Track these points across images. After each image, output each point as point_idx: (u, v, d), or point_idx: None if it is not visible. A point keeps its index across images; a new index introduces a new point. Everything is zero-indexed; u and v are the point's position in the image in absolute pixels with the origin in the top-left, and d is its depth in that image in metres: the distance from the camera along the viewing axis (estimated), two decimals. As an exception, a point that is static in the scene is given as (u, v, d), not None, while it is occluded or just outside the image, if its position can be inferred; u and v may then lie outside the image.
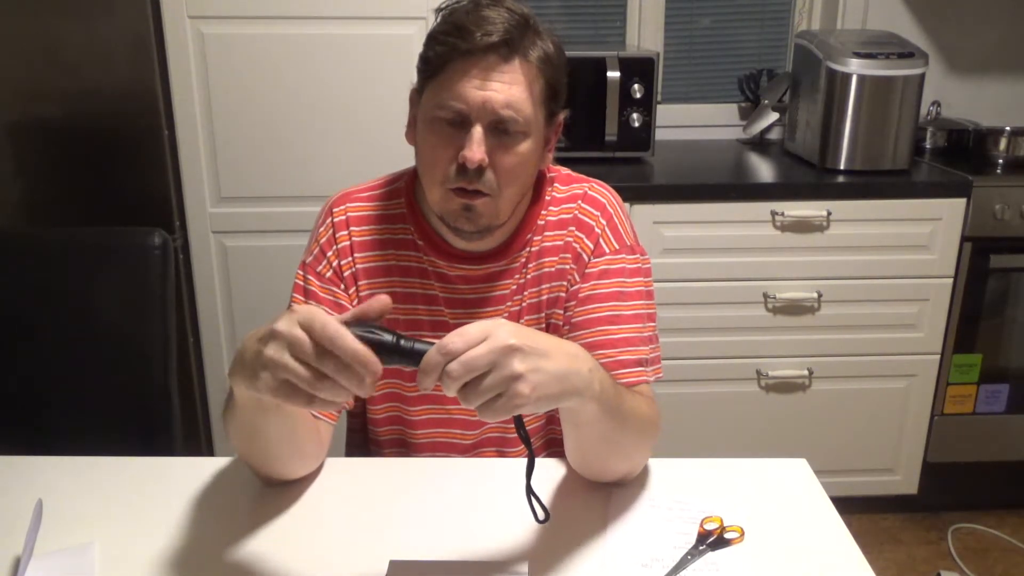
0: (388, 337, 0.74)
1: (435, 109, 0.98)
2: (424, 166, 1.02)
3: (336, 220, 1.11)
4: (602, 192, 1.13)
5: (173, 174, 2.01)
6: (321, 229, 1.12)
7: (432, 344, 0.74)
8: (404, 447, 1.17)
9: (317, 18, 1.96)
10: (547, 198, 1.11)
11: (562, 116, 1.06)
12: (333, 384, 0.72)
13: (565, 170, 1.16)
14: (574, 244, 1.10)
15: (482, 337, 0.73)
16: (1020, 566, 2.15)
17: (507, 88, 0.95)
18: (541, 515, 0.81)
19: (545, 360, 0.76)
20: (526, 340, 0.75)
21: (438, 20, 1.00)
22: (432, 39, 0.99)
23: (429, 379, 0.73)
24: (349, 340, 0.71)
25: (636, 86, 2.14)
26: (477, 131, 0.95)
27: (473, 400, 0.73)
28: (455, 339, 0.73)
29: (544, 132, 1.03)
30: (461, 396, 0.73)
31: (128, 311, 1.34)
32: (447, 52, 0.96)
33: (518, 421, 0.79)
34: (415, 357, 0.74)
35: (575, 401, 0.82)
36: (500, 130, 0.97)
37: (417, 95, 1.03)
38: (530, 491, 0.80)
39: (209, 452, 2.19)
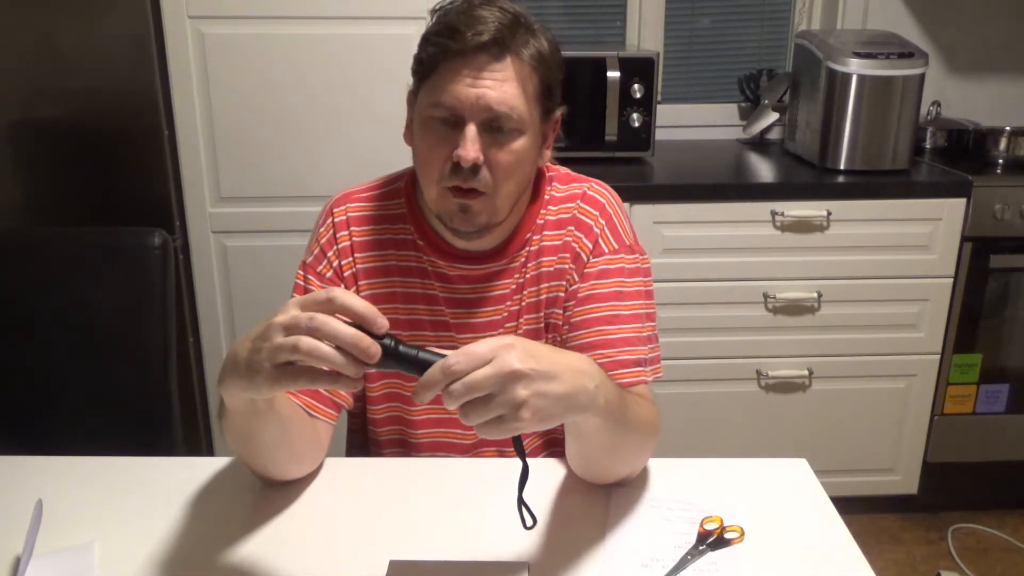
0: (386, 340, 0.74)
1: (429, 109, 0.98)
2: (420, 166, 1.03)
3: (337, 220, 1.11)
4: (601, 192, 1.13)
5: (173, 174, 2.01)
6: (322, 229, 1.12)
7: (437, 354, 0.73)
8: (404, 447, 1.17)
9: (317, 18, 1.96)
10: (546, 197, 1.11)
11: (559, 113, 1.06)
12: (334, 351, 0.72)
13: (564, 169, 1.16)
14: (573, 244, 1.10)
15: (488, 358, 0.72)
16: (1020, 566, 2.15)
17: (499, 85, 0.96)
18: (529, 522, 0.80)
19: (550, 383, 0.74)
20: (532, 364, 0.73)
21: (432, 21, 1.00)
22: (425, 40, 0.99)
23: (428, 394, 0.72)
24: (351, 296, 0.74)
25: (636, 86, 2.15)
26: (471, 129, 0.96)
27: (473, 419, 0.72)
28: (460, 359, 0.71)
29: (541, 129, 1.03)
30: (460, 413, 0.73)
31: (128, 311, 1.34)
32: (439, 52, 0.96)
33: (516, 436, 0.78)
34: (414, 365, 0.74)
35: (579, 417, 0.82)
36: (494, 128, 0.97)
37: (413, 96, 1.03)
38: (521, 500, 0.80)
39: (209, 452, 2.19)
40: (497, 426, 0.73)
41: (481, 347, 0.73)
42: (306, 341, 0.72)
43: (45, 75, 1.91)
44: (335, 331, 0.72)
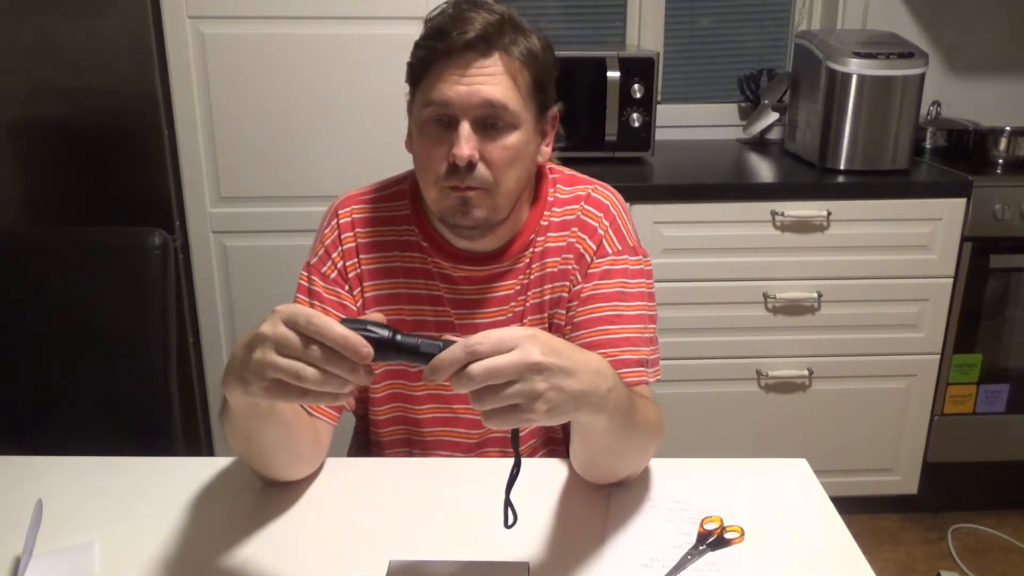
0: (384, 333, 0.74)
1: (423, 110, 0.99)
2: (420, 169, 1.03)
3: (342, 222, 1.11)
4: (605, 194, 1.13)
5: (173, 174, 2.01)
6: (326, 231, 1.12)
7: (438, 342, 0.73)
8: (408, 446, 1.17)
9: (317, 18, 1.96)
10: (549, 199, 1.12)
11: (556, 109, 1.07)
12: (323, 375, 0.72)
13: (569, 171, 1.16)
14: (577, 245, 1.10)
15: (511, 346, 0.72)
16: (1020, 566, 2.15)
17: (489, 79, 0.96)
18: (511, 520, 0.79)
19: (567, 379, 0.74)
20: (553, 359, 0.73)
21: (422, 29, 1.01)
22: (415, 46, 1.01)
23: (442, 373, 0.71)
24: (335, 326, 0.71)
25: (636, 86, 2.15)
26: (464, 127, 0.97)
27: (486, 404, 0.72)
28: (484, 340, 0.71)
29: (537, 126, 1.04)
30: (473, 397, 0.72)
31: (128, 311, 1.34)
32: (427, 55, 0.98)
33: (514, 430, 0.78)
34: (415, 353, 0.74)
35: (588, 417, 0.82)
36: (488, 124, 0.98)
37: (411, 104, 1.04)
38: (507, 500, 0.79)
39: (209, 452, 2.19)
40: (508, 415, 0.73)
41: (505, 334, 0.73)
42: (292, 367, 0.72)
43: (45, 75, 1.91)
44: (330, 334, 0.71)
